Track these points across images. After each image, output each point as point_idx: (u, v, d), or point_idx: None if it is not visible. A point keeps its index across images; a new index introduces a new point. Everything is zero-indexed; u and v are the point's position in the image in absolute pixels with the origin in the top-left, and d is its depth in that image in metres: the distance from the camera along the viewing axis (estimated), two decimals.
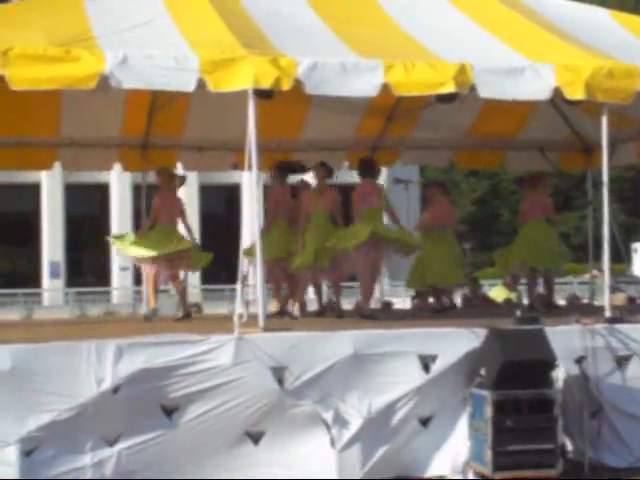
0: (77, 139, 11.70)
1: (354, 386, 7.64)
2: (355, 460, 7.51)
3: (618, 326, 8.20)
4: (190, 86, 7.87)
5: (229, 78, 7.88)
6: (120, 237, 11.30)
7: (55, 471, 7.15)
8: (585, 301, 13.52)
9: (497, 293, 14.25)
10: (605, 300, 8.59)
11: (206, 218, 30.45)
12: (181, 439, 7.40)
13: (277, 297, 10.97)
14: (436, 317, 10.11)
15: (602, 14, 10.60)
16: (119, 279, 30.34)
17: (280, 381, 7.45)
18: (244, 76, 7.84)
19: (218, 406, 7.44)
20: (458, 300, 13.50)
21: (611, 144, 8.88)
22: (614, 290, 10.36)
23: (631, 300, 13.88)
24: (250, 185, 8.53)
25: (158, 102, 10.98)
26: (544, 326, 7.86)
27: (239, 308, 7.80)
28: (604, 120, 8.60)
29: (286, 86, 7.91)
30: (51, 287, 29.78)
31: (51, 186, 30.05)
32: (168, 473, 7.35)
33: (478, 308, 12.34)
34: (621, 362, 8.10)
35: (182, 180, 11.47)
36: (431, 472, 7.73)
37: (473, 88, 8.27)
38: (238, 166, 9.65)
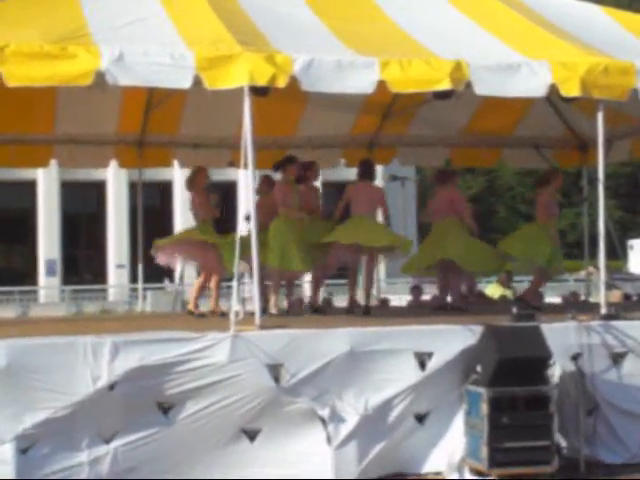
0: (73, 136, 11.70)
1: (350, 383, 7.64)
2: (351, 457, 7.52)
3: (614, 323, 8.22)
4: (186, 83, 7.86)
5: (225, 75, 7.87)
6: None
7: (51, 468, 7.15)
8: (582, 298, 13.52)
9: (493, 290, 14.25)
10: (601, 297, 8.60)
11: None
12: (177, 436, 7.40)
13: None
14: (434, 313, 10.10)
15: (597, 11, 10.60)
16: (115, 277, 30.32)
17: (276, 378, 7.46)
18: (240, 73, 7.84)
19: (214, 403, 7.44)
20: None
21: (607, 141, 8.89)
22: (610, 287, 10.36)
23: (627, 297, 13.90)
24: (246, 182, 8.51)
25: (154, 99, 10.99)
26: (540, 323, 7.87)
27: (235, 305, 7.80)
28: (600, 117, 8.61)
29: (282, 83, 7.91)
30: (47, 284, 29.75)
31: (47, 183, 30.02)
32: (164, 470, 7.35)
33: (474, 305, 12.33)
34: (617, 359, 8.11)
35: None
36: (427, 469, 7.74)
37: (469, 85, 8.28)
38: (234, 164, 9.63)
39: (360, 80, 8.10)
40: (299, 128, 12.34)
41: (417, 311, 11.16)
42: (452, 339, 7.82)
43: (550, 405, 7.47)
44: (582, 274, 16.13)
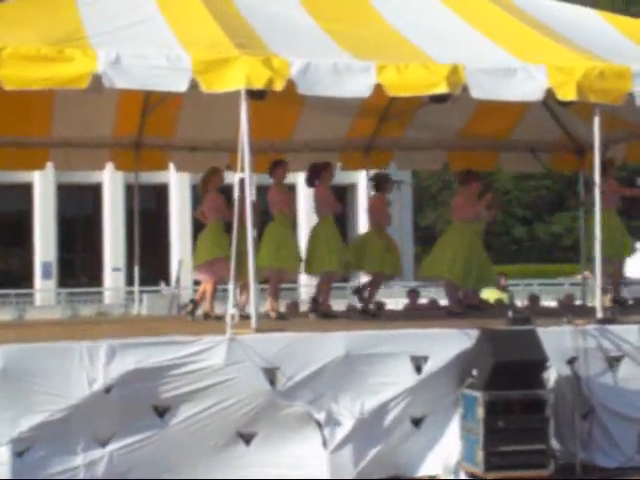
0: (70, 139, 11.69)
1: (346, 387, 7.64)
2: (347, 461, 7.51)
3: (609, 327, 8.22)
4: (183, 86, 7.86)
5: (222, 78, 7.87)
6: None
7: (47, 472, 7.14)
8: (578, 302, 13.54)
9: (489, 294, 14.26)
10: (597, 301, 8.61)
11: (198, 218, 30.42)
12: (173, 440, 7.39)
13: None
14: (430, 318, 10.10)
15: (594, 15, 10.63)
16: (111, 280, 30.30)
17: (272, 382, 7.45)
18: (237, 76, 7.84)
19: (210, 407, 7.43)
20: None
21: (603, 145, 8.90)
22: (606, 291, 10.37)
23: (616, 302, 13.90)
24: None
25: (151, 102, 10.99)
26: (536, 327, 7.88)
27: (231, 309, 7.80)
28: (596, 121, 8.62)
29: (279, 87, 7.91)
30: (43, 287, 29.72)
31: (44, 186, 29.98)
32: (160, 474, 7.34)
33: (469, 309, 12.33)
34: (612, 363, 8.11)
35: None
36: (423, 473, 7.74)
37: (465, 89, 8.29)
38: (231, 167, 9.62)
39: (357, 84, 8.11)
40: (296, 132, 12.34)
41: (413, 315, 11.16)
42: (448, 343, 7.82)
43: (546, 409, 7.48)
44: (578, 278, 16.16)
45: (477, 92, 8.34)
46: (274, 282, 10.13)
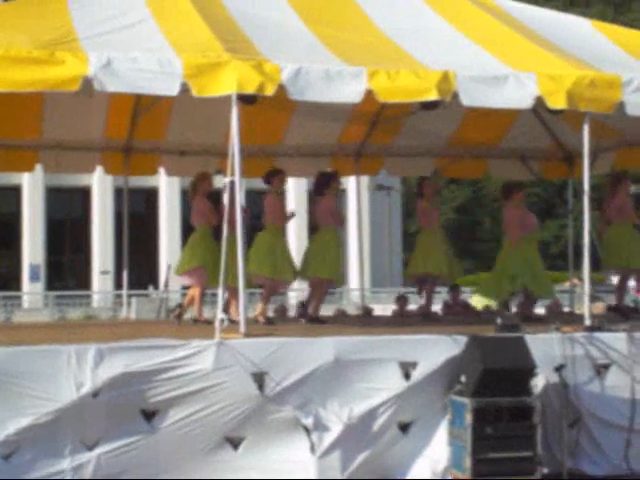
0: (59, 141, 11.67)
1: (335, 392, 7.63)
2: (335, 466, 7.50)
3: (597, 335, 8.24)
4: (174, 90, 7.86)
5: (213, 83, 7.87)
6: None
7: (34, 475, 7.11)
8: (566, 309, 13.56)
9: (478, 300, 14.26)
10: (585, 309, 8.63)
11: (188, 222, 30.38)
12: (161, 444, 7.37)
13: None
14: (419, 323, 10.10)
15: (585, 24, 10.66)
16: (99, 283, 30.24)
17: (261, 387, 7.44)
18: (228, 81, 7.84)
19: (198, 411, 7.42)
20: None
21: (592, 153, 8.93)
22: (594, 299, 10.39)
23: (610, 309, 13.93)
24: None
25: (141, 105, 10.97)
26: (524, 334, 7.89)
27: (220, 313, 7.79)
28: (586, 129, 8.64)
29: (270, 91, 7.92)
30: (31, 290, 29.64)
31: (32, 189, 29.93)
32: (147, 477, 7.32)
33: (459, 315, 12.37)
34: (600, 370, 8.12)
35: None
36: (411, 478, 7.73)
37: (456, 96, 8.30)
38: (222, 172, 9.62)
39: (348, 89, 8.12)
40: (286, 136, 12.34)
41: (402, 321, 11.16)
42: (437, 349, 7.83)
43: (534, 416, 7.49)
44: (566, 285, 16.20)
45: (467, 99, 8.35)
46: (268, 290, 10.17)
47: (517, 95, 8.46)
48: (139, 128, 11.68)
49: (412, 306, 14.23)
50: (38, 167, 12.33)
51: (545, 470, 7.65)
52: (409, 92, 8.29)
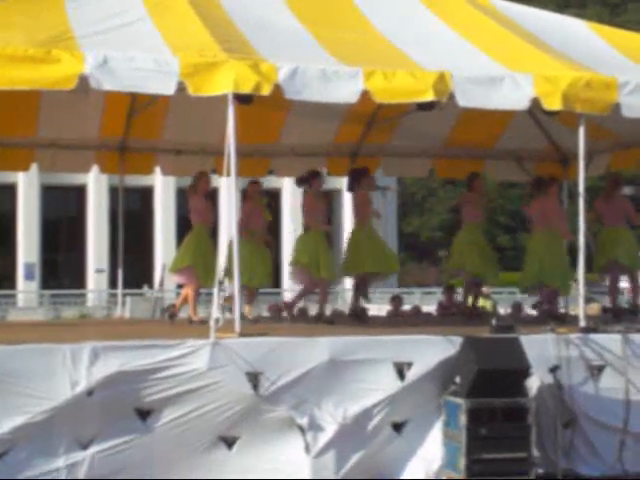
0: (55, 140, 11.66)
1: (329, 392, 7.64)
2: (329, 466, 7.51)
3: (592, 336, 8.25)
4: (170, 89, 7.85)
5: (209, 82, 7.87)
6: None
7: (28, 473, 7.11)
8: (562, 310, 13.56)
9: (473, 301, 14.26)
10: (580, 310, 8.64)
11: (183, 221, 30.35)
12: (155, 443, 7.37)
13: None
14: (412, 324, 10.10)
15: (581, 26, 10.68)
16: (94, 282, 30.21)
17: (255, 386, 7.44)
18: (224, 80, 7.84)
19: (193, 410, 7.42)
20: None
21: (587, 155, 8.94)
22: (588, 300, 10.40)
23: (605, 310, 13.94)
24: (229, 190, 8.52)
25: (137, 104, 10.97)
26: (519, 335, 7.90)
27: (215, 313, 7.79)
28: (581, 131, 8.66)
29: (266, 91, 7.92)
30: (26, 289, 29.61)
31: (28, 187, 29.88)
32: (142, 477, 7.31)
33: (454, 316, 12.37)
34: (594, 372, 8.14)
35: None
36: (405, 478, 7.74)
37: (452, 97, 8.31)
38: (217, 171, 9.67)
39: (344, 89, 8.12)
40: (282, 136, 12.34)
41: (397, 321, 11.17)
42: (431, 350, 7.83)
43: (528, 417, 7.50)
44: None
45: (463, 100, 8.36)
46: (321, 290, 10.49)
47: (513, 96, 8.46)
48: (135, 127, 11.68)
49: (406, 306, 14.25)
50: (33, 166, 12.30)
51: (539, 471, 7.66)
52: (405, 93, 8.29)
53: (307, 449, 7.51)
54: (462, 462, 7.37)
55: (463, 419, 7.39)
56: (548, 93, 8.48)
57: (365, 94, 8.17)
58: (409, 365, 7.74)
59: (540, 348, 7.94)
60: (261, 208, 10.72)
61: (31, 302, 27.97)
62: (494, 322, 8.19)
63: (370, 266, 10.64)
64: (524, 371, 7.57)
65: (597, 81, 8.64)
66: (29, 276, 30.09)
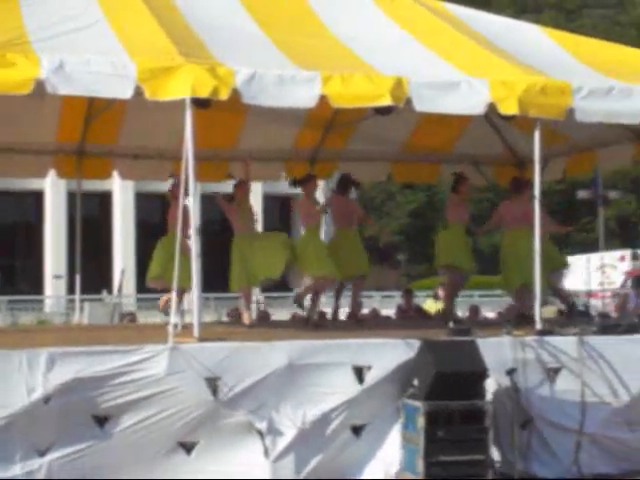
0: (11, 145, 11.54)
1: (288, 396, 7.64)
2: (289, 470, 7.52)
3: (548, 338, 8.33)
4: (127, 93, 7.82)
5: (166, 86, 7.84)
6: None
7: None
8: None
9: (431, 304, 14.38)
10: (536, 313, 8.71)
11: (142, 226, 30.26)
12: (113, 449, 7.33)
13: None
14: (372, 327, 10.13)
15: (536, 31, 10.78)
16: (52, 287, 29.96)
17: (214, 391, 7.42)
18: (182, 85, 7.82)
19: (151, 416, 7.39)
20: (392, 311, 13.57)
21: (543, 159, 9.03)
22: (545, 303, 10.49)
23: (562, 313, 14.07)
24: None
25: (94, 109, 10.90)
26: (476, 338, 7.96)
27: (174, 317, 7.77)
28: (537, 135, 8.74)
29: (224, 96, 7.91)
30: None
31: None
32: None
33: (412, 319, 12.45)
34: (551, 374, 8.21)
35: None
36: None
37: (409, 101, 8.36)
38: (176, 176, 9.63)
39: (302, 94, 8.13)
40: (240, 141, 12.33)
41: (356, 325, 11.18)
42: (390, 353, 7.86)
43: (485, 419, 7.55)
44: None
45: (420, 105, 8.41)
46: (316, 288, 10.42)
47: (470, 101, 8.53)
48: (92, 131, 11.60)
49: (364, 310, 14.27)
50: None
51: (497, 472, 7.71)
52: (363, 97, 8.33)
53: (266, 453, 7.50)
54: (420, 464, 7.40)
55: (421, 422, 7.42)
56: (504, 98, 8.55)
57: (323, 99, 8.19)
58: (368, 368, 7.77)
59: (497, 351, 8.00)
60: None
61: None
62: (452, 325, 8.24)
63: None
64: (481, 374, 7.63)
65: (552, 86, 8.74)
66: None
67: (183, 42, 8.39)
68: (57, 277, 29.61)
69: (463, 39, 9.74)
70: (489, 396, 7.72)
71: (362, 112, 9.65)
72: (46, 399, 7.13)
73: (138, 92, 7.82)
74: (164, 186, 11.11)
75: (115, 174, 12.74)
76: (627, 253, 31.91)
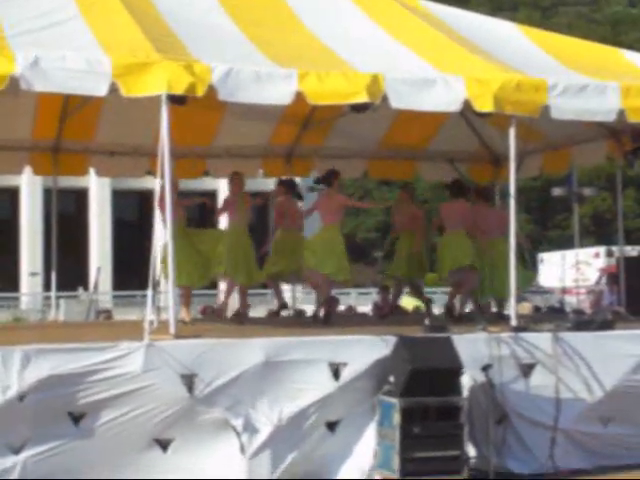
0: None
1: (264, 393, 7.65)
2: (265, 467, 7.52)
3: (523, 335, 8.37)
4: (102, 90, 7.79)
5: (142, 83, 7.82)
6: None
7: None
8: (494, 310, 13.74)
9: (407, 301, 14.40)
10: (511, 309, 8.76)
11: (119, 223, 30.15)
12: (89, 447, 7.31)
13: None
14: (347, 324, 10.16)
15: (512, 28, 10.83)
16: (28, 285, 29.79)
17: (190, 388, 7.41)
18: (157, 81, 7.80)
19: (127, 413, 7.37)
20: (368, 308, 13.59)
21: (518, 156, 9.07)
22: (520, 299, 10.55)
23: (537, 309, 14.18)
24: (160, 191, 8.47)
25: (70, 105, 10.86)
26: (451, 334, 7.99)
27: (150, 314, 7.75)
28: (512, 132, 8.78)
29: (200, 92, 7.90)
30: None
31: None
32: None
33: (388, 316, 12.45)
34: (526, 370, 8.25)
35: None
36: (340, 477, 7.78)
37: (385, 98, 8.38)
38: (152, 172, 9.61)
39: (278, 91, 8.14)
40: (217, 138, 12.32)
41: (332, 321, 11.19)
42: (366, 349, 7.88)
43: (461, 415, 7.59)
44: None
45: (396, 102, 8.44)
46: (327, 287, 10.56)
47: (445, 98, 8.56)
48: (68, 128, 11.56)
49: (341, 307, 14.29)
50: None
51: (472, 468, 7.75)
52: (339, 94, 8.34)
53: (242, 450, 7.51)
54: (396, 461, 7.43)
55: (397, 418, 7.45)
56: (479, 95, 8.58)
57: (299, 96, 8.19)
58: (344, 365, 7.78)
59: (472, 347, 8.03)
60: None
61: None
62: (427, 322, 8.27)
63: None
64: (457, 370, 7.66)
65: (527, 83, 8.77)
66: None
67: (159, 39, 8.36)
68: (33, 274, 29.41)
69: (439, 36, 9.76)
70: (464, 392, 7.76)
71: (339, 109, 9.67)
72: (21, 397, 7.10)
73: (113, 89, 7.79)
74: (140, 183, 11.12)
75: (91, 171, 12.71)
76: (602, 250, 32.09)
